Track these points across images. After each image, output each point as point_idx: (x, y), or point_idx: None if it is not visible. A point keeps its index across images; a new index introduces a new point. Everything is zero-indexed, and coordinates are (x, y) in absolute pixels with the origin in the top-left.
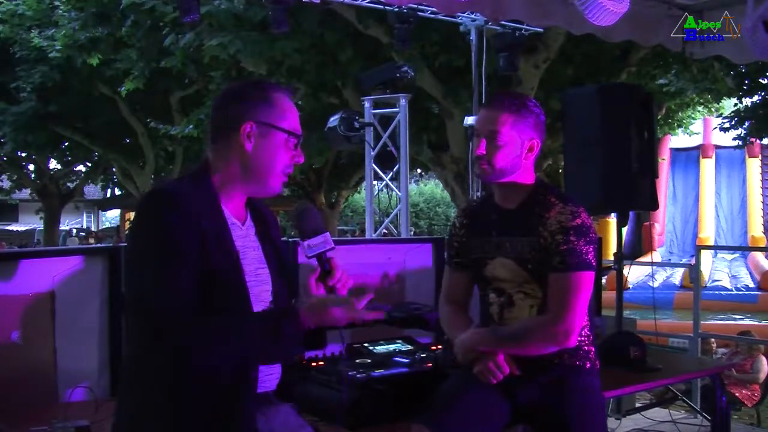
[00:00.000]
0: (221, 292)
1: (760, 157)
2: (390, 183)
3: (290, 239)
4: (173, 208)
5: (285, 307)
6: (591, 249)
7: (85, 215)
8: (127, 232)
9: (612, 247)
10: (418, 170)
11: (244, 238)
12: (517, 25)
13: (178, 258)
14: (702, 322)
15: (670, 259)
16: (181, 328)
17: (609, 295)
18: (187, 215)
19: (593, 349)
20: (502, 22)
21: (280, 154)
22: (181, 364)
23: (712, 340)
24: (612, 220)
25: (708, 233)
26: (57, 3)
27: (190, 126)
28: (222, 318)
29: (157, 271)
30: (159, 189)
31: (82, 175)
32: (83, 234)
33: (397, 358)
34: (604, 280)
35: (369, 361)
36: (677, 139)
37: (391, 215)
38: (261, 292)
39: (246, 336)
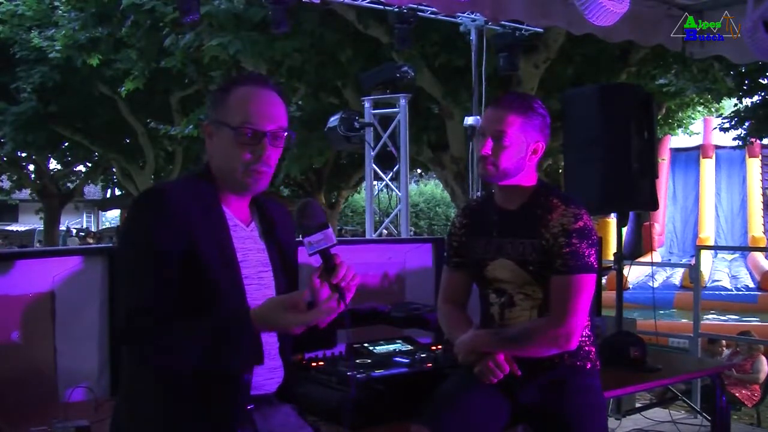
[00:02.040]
0: (216, 296)
1: (760, 157)
2: (390, 183)
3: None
4: (157, 209)
5: (235, 311)
6: (593, 252)
7: (85, 215)
8: None
9: (612, 247)
10: (418, 170)
11: (247, 239)
12: (517, 25)
13: (151, 260)
14: (702, 322)
15: (670, 259)
16: (141, 330)
17: (609, 295)
18: (172, 217)
19: (594, 350)
20: (502, 22)
21: (232, 150)
22: (146, 366)
23: (723, 342)
24: (612, 220)
25: (708, 233)
26: (57, 3)
27: (190, 126)
28: (177, 323)
29: (130, 271)
30: (149, 189)
31: (82, 175)
32: (83, 234)
33: (397, 358)
34: (604, 280)
35: (369, 361)
36: (677, 139)
37: (391, 215)
38: (262, 296)
39: (193, 341)
